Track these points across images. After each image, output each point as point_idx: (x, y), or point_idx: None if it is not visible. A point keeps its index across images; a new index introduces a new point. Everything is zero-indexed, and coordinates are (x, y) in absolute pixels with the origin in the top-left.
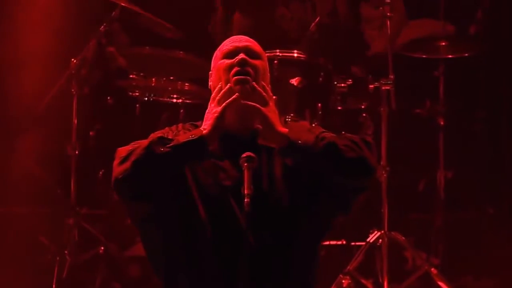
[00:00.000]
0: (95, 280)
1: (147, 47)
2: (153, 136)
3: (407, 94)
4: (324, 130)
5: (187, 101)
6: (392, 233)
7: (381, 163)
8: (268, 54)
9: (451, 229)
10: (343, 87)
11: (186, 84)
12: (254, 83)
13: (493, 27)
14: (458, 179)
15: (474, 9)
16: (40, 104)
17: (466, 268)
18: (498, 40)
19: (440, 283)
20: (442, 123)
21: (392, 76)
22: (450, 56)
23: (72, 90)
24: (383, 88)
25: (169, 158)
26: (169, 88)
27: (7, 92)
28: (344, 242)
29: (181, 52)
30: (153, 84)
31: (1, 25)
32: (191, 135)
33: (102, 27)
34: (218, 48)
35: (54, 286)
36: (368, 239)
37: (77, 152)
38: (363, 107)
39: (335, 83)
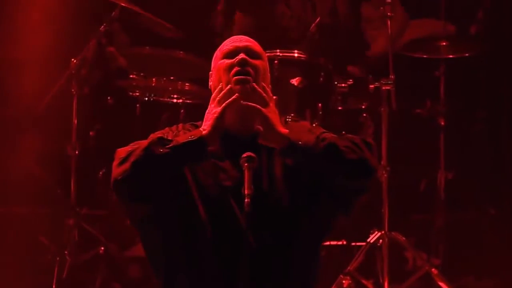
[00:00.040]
0: (95, 280)
1: (147, 47)
2: (153, 136)
3: (408, 94)
4: (324, 131)
5: (188, 101)
6: (393, 233)
7: (382, 163)
8: (268, 54)
9: (452, 230)
10: (344, 87)
11: (187, 84)
12: (254, 83)
13: (494, 27)
14: (459, 179)
15: (475, 9)
16: (40, 104)
17: (467, 268)
18: (499, 40)
19: (441, 284)
20: (442, 123)
21: (392, 76)
22: (450, 56)
23: (72, 90)
24: (384, 88)
25: (168, 159)
26: (170, 88)
27: (7, 92)
28: (345, 243)
29: (181, 52)
30: (153, 84)
31: (1, 25)
32: (191, 136)
33: (102, 27)
34: (218, 48)
35: (54, 286)
36: (368, 240)
37: (77, 152)
38: (363, 107)
39: (336, 83)
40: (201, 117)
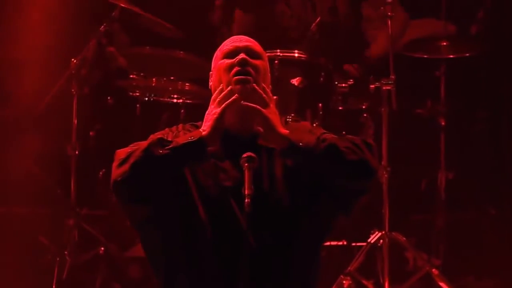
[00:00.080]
0: (95, 280)
1: (147, 47)
2: (153, 137)
3: (408, 94)
4: (325, 131)
5: (188, 101)
6: (393, 233)
7: (382, 163)
8: (268, 54)
9: (452, 230)
10: (344, 87)
11: (187, 84)
12: (254, 84)
13: (495, 27)
14: (459, 179)
15: (476, 9)
16: (40, 104)
17: (468, 268)
18: (499, 40)
19: (441, 284)
20: (443, 123)
21: (393, 76)
22: (451, 56)
23: (72, 90)
24: (384, 88)
25: (168, 160)
26: (170, 88)
27: (7, 92)
28: (345, 243)
29: (181, 52)
30: (153, 84)
31: (1, 25)
32: (190, 137)
33: (102, 27)
34: (219, 48)
35: (54, 286)
36: (369, 240)
37: (77, 152)
38: (364, 107)
39: (336, 83)
40: (201, 117)
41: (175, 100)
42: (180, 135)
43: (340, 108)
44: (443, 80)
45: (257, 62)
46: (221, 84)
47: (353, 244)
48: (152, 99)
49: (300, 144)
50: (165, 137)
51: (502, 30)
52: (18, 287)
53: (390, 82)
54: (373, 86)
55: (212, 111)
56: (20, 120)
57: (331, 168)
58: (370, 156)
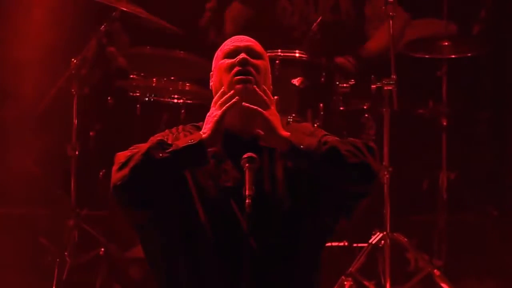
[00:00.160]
0: (95, 281)
1: (148, 47)
2: (153, 139)
3: (410, 95)
4: (326, 133)
5: (188, 102)
6: (395, 234)
7: (384, 163)
8: (269, 54)
9: (454, 231)
10: (345, 87)
11: (187, 84)
12: (255, 86)
13: (496, 27)
14: (461, 180)
15: (477, 8)
16: (40, 104)
17: (469, 270)
18: (501, 40)
19: (443, 285)
20: (445, 123)
21: (394, 76)
22: (453, 56)
23: (72, 90)
24: (386, 88)
25: (168, 163)
26: (170, 88)
27: (7, 92)
28: (346, 244)
29: (181, 52)
30: (153, 84)
31: (1, 25)
32: (191, 140)
33: (102, 27)
34: (219, 48)
35: (54, 287)
36: (370, 241)
37: (77, 153)
38: (365, 107)
39: (337, 83)
40: (202, 118)
41: (175, 100)
42: (180, 137)
43: (341, 108)
44: (445, 80)
45: (258, 62)
46: (223, 87)
47: (355, 245)
48: (152, 99)
49: (301, 146)
50: (165, 139)
51: (504, 30)
52: (18, 287)
53: (391, 82)
54: (374, 86)
55: (213, 113)
56: (20, 120)
57: (332, 171)
58: (372, 159)
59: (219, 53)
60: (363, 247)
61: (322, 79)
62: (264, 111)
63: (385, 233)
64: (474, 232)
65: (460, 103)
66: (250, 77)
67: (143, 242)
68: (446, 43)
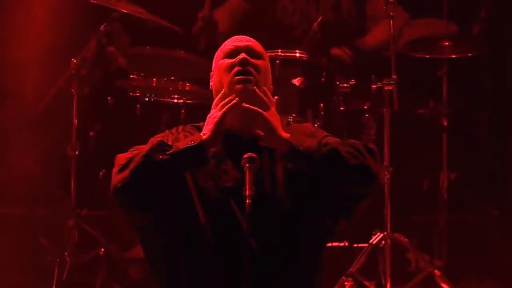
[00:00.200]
0: (95, 282)
1: (148, 47)
2: (153, 140)
3: (410, 95)
4: (327, 134)
5: (188, 102)
6: (395, 234)
7: (384, 163)
8: (270, 54)
9: (455, 231)
10: (346, 87)
11: (187, 84)
12: (255, 87)
13: (497, 27)
14: (462, 180)
15: (478, 8)
16: (40, 104)
17: (470, 270)
18: (501, 40)
19: (443, 285)
20: (445, 123)
21: (394, 76)
22: (453, 56)
23: (72, 90)
24: (386, 88)
25: (168, 165)
26: (170, 88)
27: (7, 92)
28: (347, 244)
29: (182, 52)
30: (153, 84)
31: (1, 25)
32: (191, 141)
33: (102, 26)
34: (220, 48)
35: (54, 287)
36: (371, 241)
37: (77, 153)
38: (365, 107)
39: (338, 83)
40: (202, 118)
41: (175, 101)
42: (180, 137)
43: (341, 108)
44: (445, 80)
45: (258, 62)
46: (223, 89)
47: (355, 245)
48: (152, 99)
49: (301, 148)
50: (165, 140)
51: (504, 30)
52: (18, 287)
53: (392, 82)
54: (374, 86)
55: (213, 115)
56: (20, 120)
57: (332, 173)
58: (372, 161)
59: (219, 53)
60: (363, 247)
61: (323, 79)
62: (264, 112)
63: (385, 233)
64: (475, 232)
65: (461, 103)
66: (250, 77)
67: (143, 243)
68: (447, 43)
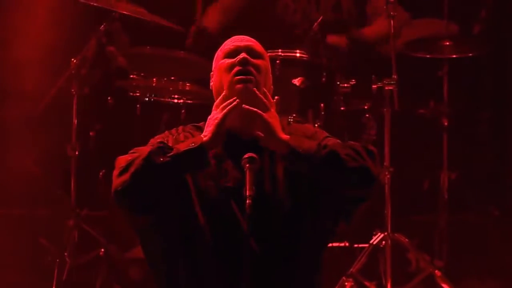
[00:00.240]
0: (95, 282)
1: (148, 47)
2: (153, 141)
3: (411, 95)
4: (328, 135)
5: (189, 102)
6: (396, 234)
7: (385, 164)
8: (270, 54)
9: (455, 231)
10: (346, 87)
11: (187, 84)
12: (255, 89)
13: (497, 27)
14: (462, 180)
15: (478, 8)
16: (40, 104)
17: (471, 270)
18: (502, 40)
19: (444, 285)
20: (446, 123)
21: (395, 76)
22: (454, 56)
23: (72, 90)
24: (386, 88)
25: (169, 168)
26: (170, 88)
27: (7, 92)
28: (347, 244)
29: (182, 52)
30: (154, 84)
31: (1, 25)
32: (192, 143)
33: (102, 26)
34: (220, 48)
35: None
36: (371, 241)
37: (77, 153)
38: (366, 107)
39: (338, 83)
40: (202, 118)
41: (175, 101)
42: (180, 138)
43: (342, 108)
44: (446, 80)
45: (258, 61)
46: (224, 90)
47: (355, 245)
48: (152, 99)
49: (301, 150)
50: (165, 141)
51: (505, 30)
52: (18, 287)
53: (392, 82)
54: (375, 86)
55: (214, 116)
56: (20, 120)
57: (331, 175)
58: (371, 163)
59: (219, 53)
60: (364, 247)
61: (323, 79)
62: (263, 114)
63: (386, 233)
64: (475, 232)
65: (461, 103)
66: (250, 76)
67: (143, 244)
68: (447, 43)
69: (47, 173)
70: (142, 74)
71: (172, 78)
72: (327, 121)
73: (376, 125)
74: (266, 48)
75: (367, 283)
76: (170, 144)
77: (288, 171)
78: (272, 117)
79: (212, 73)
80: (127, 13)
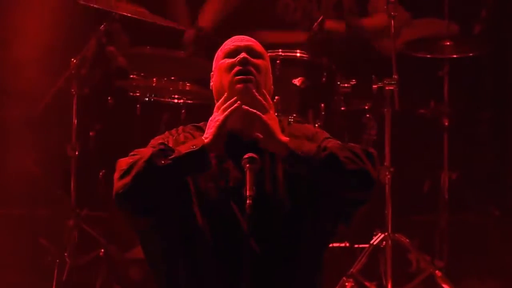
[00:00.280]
0: (95, 282)
1: (148, 47)
2: (153, 142)
3: (411, 95)
4: (328, 137)
5: (189, 102)
6: (396, 235)
7: (385, 164)
8: (270, 53)
9: (456, 231)
10: (347, 87)
11: (187, 84)
12: (254, 90)
13: (498, 27)
14: (463, 180)
15: (478, 8)
16: (40, 104)
17: (471, 270)
18: (502, 40)
19: (445, 286)
20: (446, 123)
21: (396, 76)
22: (454, 56)
23: (72, 90)
24: (387, 88)
25: (171, 170)
26: (170, 88)
27: (7, 92)
28: (348, 244)
29: (182, 52)
30: (154, 84)
31: (1, 25)
32: (193, 145)
33: (102, 26)
34: (220, 48)
35: None
36: (371, 241)
37: (77, 153)
38: (366, 107)
39: (338, 83)
40: (202, 118)
41: (175, 101)
42: (180, 138)
43: (342, 108)
44: (446, 80)
45: (258, 61)
46: (226, 91)
47: (356, 245)
48: (152, 99)
49: (300, 152)
50: (165, 142)
51: (505, 30)
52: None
53: (393, 82)
54: (375, 86)
55: (215, 118)
56: (20, 120)
57: (330, 178)
58: (371, 166)
59: (219, 53)
60: (364, 248)
61: (323, 79)
62: (262, 115)
63: (386, 233)
64: (476, 232)
65: (462, 103)
66: (250, 76)
67: (143, 244)
68: (448, 43)
69: (47, 173)
70: (142, 74)
71: (172, 78)
72: (327, 121)
73: (377, 125)
74: (267, 48)
75: (367, 284)
76: (170, 145)
77: (289, 171)
78: (271, 118)
79: (212, 73)
80: (127, 14)
